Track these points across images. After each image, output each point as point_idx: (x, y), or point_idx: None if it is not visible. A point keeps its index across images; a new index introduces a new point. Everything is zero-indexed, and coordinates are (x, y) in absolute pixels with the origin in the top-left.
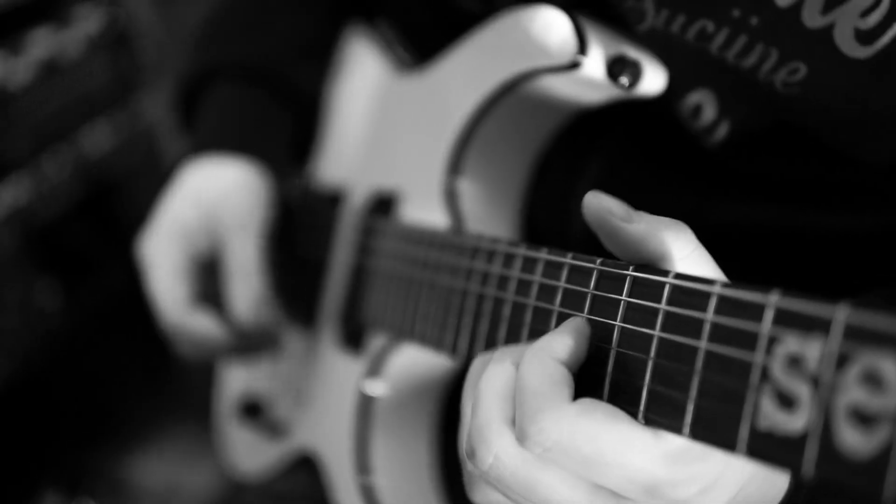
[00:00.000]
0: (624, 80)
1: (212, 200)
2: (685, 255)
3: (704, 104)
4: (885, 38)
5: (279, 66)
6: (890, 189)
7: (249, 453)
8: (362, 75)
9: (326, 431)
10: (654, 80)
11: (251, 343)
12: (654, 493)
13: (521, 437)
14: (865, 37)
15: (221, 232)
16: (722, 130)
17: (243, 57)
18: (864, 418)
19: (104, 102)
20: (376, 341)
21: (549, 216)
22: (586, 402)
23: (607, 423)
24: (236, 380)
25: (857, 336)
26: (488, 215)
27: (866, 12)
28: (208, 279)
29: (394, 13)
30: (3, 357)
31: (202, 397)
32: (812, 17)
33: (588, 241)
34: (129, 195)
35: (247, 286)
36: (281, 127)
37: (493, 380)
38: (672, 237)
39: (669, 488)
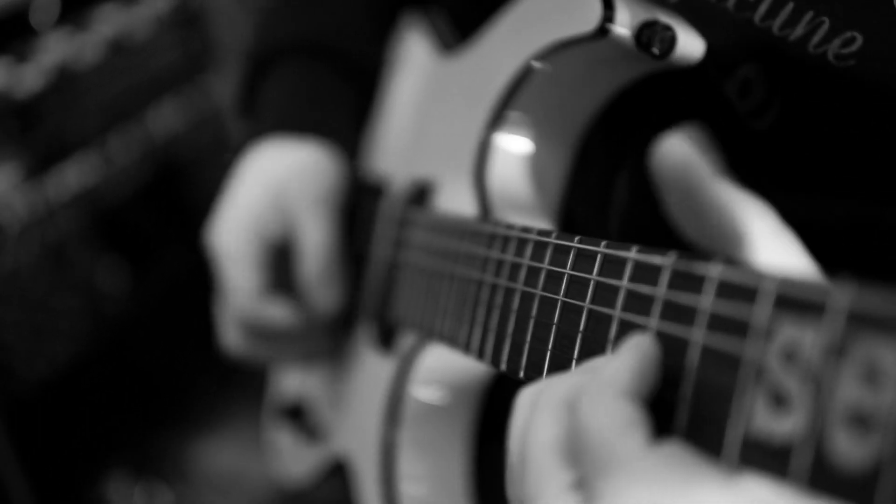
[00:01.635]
0: (655, 48)
1: (282, 182)
2: (769, 238)
3: (753, 81)
4: None
5: (341, 43)
6: None
7: (292, 457)
8: (413, 63)
9: (357, 436)
10: (690, 47)
11: (322, 329)
12: None
13: (591, 498)
14: None
15: (293, 213)
16: (773, 111)
17: (306, 35)
18: (860, 421)
19: (172, 83)
20: (407, 340)
21: (586, 207)
22: (666, 452)
23: (694, 478)
24: (287, 381)
25: (862, 322)
26: (520, 203)
27: None
28: (283, 265)
29: None
30: (70, 338)
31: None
32: None
33: (627, 235)
34: (196, 178)
35: (320, 266)
36: (347, 105)
37: (545, 431)
38: (757, 214)
39: None
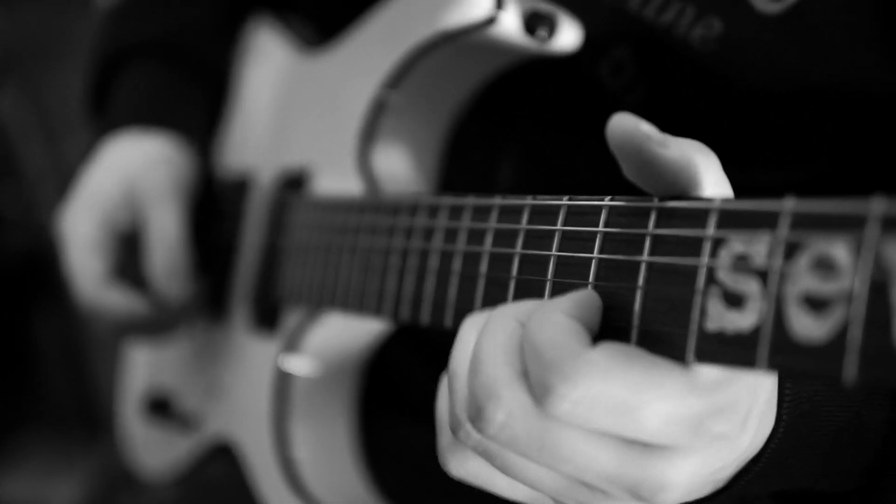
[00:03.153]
0: (541, 33)
1: (133, 173)
2: (715, 180)
3: (624, 62)
4: None
5: (190, 43)
6: (810, 143)
7: (158, 450)
8: (266, 62)
9: (243, 416)
10: (570, 34)
11: (168, 317)
12: (699, 430)
13: (543, 394)
14: None
15: (143, 203)
16: (641, 90)
17: (156, 35)
18: (816, 304)
19: None
20: (292, 318)
21: (469, 182)
22: (608, 345)
23: (636, 361)
24: (138, 377)
25: (806, 224)
26: (405, 181)
27: None
28: (130, 254)
29: None
30: None
31: (62, 407)
32: None
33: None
34: None
35: (166, 257)
36: (197, 102)
37: (497, 335)
38: (706, 162)
39: (714, 419)
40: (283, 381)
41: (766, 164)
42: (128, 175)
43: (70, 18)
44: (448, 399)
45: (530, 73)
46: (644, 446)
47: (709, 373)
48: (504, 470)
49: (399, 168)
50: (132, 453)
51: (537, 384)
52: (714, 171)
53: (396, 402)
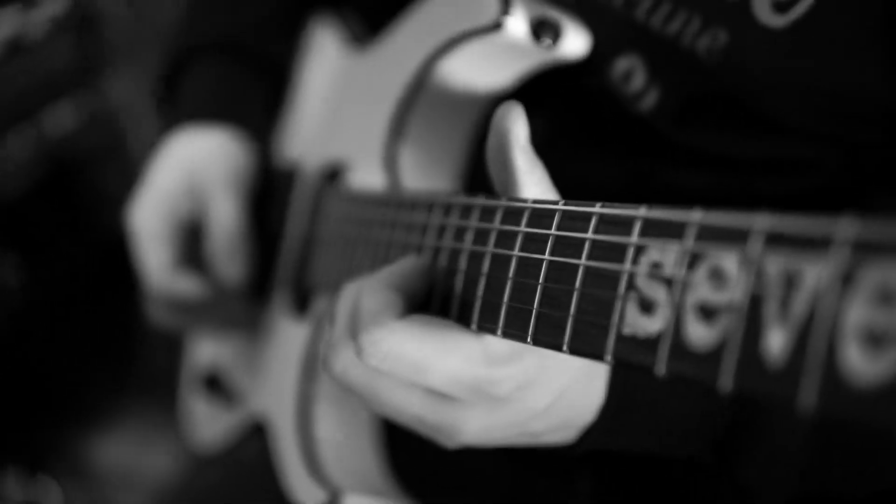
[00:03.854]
0: (546, 40)
1: (195, 166)
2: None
3: (634, 70)
4: (800, 9)
5: (254, 40)
6: (816, 155)
7: (208, 424)
8: (323, 57)
9: (276, 395)
10: (576, 41)
11: (229, 305)
12: (478, 392)
13: (359, 350)
14: (781, 6)
15: (204, 194)
16: (651, 97)
17: (222, 33)
18: (708, 313)
19: (68, 83)
20: (321, 303)
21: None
22: (413, 318)
23: (431, 332)
24: (201, 354)
25: (709, 236)
26: (427, 180)
27: None
28: (195, 243)
29: None
30: None
31: (164, 377)
32: None
33: None
34: (90, 176)
35: (226, 243)
36: (258, 97)
37: (346, 302)
38: (535, 181)
39: (490, 386)
40: (311, 363)
41: (773, 175)
42: (190, 169)
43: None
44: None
45: (547, 79)
46: (442, 397)
47: (497, 345)
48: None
49: (421, 169)
50: (189, 426)
51: (356, 343)
52: (539, 190)
53: None
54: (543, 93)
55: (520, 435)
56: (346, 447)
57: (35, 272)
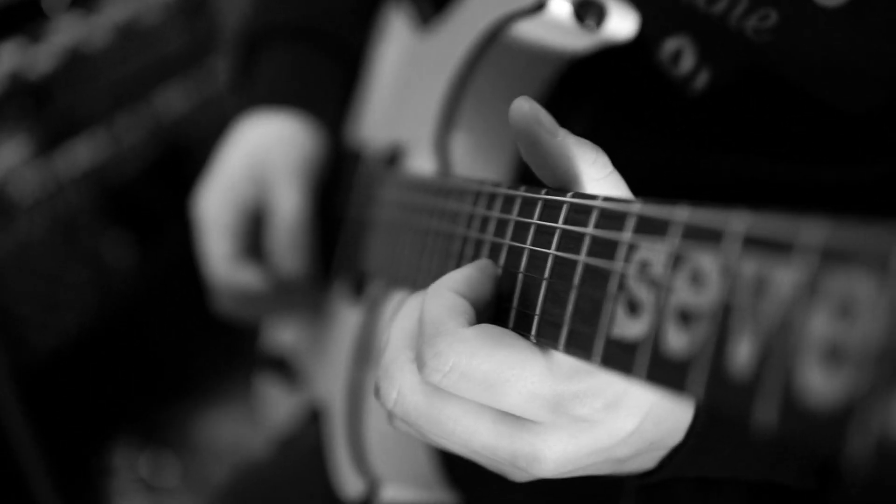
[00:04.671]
0: (590, 21)
1: (260, 153)
2: (600, 177)
3: (683, 51)
4: None
5: (330, 25)
6: (872, 138)
7: (277, 406)
8: (395, 39)
9: (330, 380)
10: (622, 21)
11: (291, 295)
12: (558, 409)
13: (421, 365)
14: None
15: (268, 182)
16: (703, 78)
17: (296, 16)
18: (687, 317)
19: (179, 66)
20: (374, 289)
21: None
22: (482, 326)
23: (503, 342)
24: (275, 336)
25: (693, 235)
26: (478, 168)
27: None
28: (258, 232)
29: None
30: (79, 310)
31: (266, 354)
32: None
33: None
34: (201, 157)
35: (286, 236)
36: (333, 81)
37: (403, 320)
38: (590, 158)
39: (573, 402)
40: (363, 348)
41: (827, 161)
42: (256, 155)
43: None
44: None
45: (598, 62)
46: (516, 420)
47: (566, 360)
48: (418, 436)
49: (472, 155)
50: (260, 406)
51: (418, 358)
52: (598, 168)
53: None
54: (591, 78)
55: (604, 462)
56: (395, 439)
57: (147, 251)
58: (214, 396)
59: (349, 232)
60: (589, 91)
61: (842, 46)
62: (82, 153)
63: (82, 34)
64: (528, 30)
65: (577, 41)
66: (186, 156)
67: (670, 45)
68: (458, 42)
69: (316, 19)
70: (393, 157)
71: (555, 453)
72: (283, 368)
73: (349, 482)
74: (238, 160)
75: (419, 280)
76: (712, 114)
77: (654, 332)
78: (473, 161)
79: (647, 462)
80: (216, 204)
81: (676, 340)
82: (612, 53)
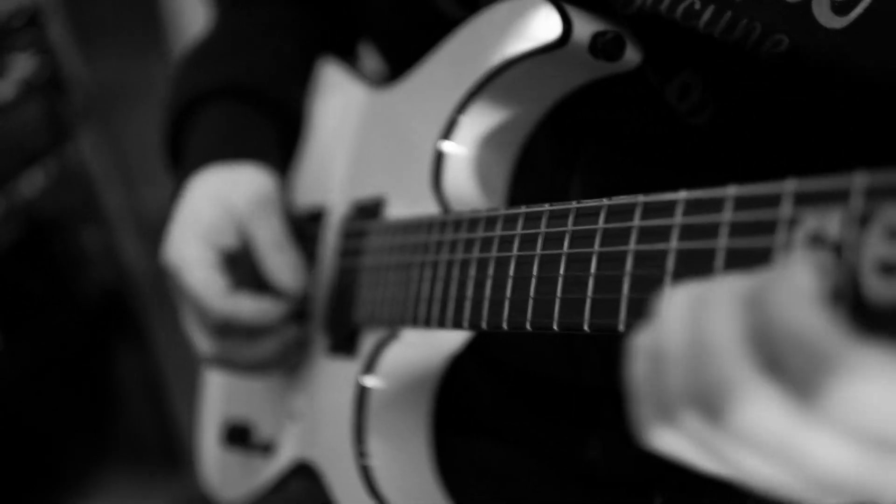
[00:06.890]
0: (607, 54)
1: (226, 195)
2: None
3: (691, 85)
4: (859, 9)
5: (261, 84)
6: (887, 155)
7: (237, 478)
8: (338, 101)
9: (324, 436)
10: (635, 55)
11: (290, 330)
12: None
13: (806, 391)
14: (841, 8)
15: (244, 220)
16: (706, 113)
17: (227, 79)
18: (888, 269)
19: (40, 145)
20: (368, 341)
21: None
22: (882, 347)
23: None
24: (215, 407)
25: (877, 196)
26: (476, 202)
27: None
28: (241, 270)
29: (374, 25)
30: None
31: (143, 441)
32: None
33: None
34: (67, 236)
35: (283, 256)
36: (270, 138)
37: (728, 324)
38: None
39: None
40: (362, 397)
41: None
42: (221, 198)
43: (147, 64)
44: (650, 374)
45: (599, 95)
46: (881, 445)
47: None
48: (720, 459)
49: (471, 191)
50: (211, 482)
51: (799, 380)
52: None
53: (466, 419)
54: (597, 106)
55: None
56: (406, 475)
57: (13, 336)
58: (85, 490)
59: (324, 287)
60: (587, 123)
61: (846, 63)
62: None
63: None
64: (537, 68)
65: (583, 74)
66: (51, 235)
67: (679, 79)
68: (452, 87)
69: (244, 77)
70: (371, 211)
71: None
72: (246, 438)
73: None
74: (204, 202)
75: (447, 313)
76: (715, 144)
77: (851, 290)
78: (471, 197)
79: None
80: (192, 244)
81: (881, 289)
82: (616, 84)
